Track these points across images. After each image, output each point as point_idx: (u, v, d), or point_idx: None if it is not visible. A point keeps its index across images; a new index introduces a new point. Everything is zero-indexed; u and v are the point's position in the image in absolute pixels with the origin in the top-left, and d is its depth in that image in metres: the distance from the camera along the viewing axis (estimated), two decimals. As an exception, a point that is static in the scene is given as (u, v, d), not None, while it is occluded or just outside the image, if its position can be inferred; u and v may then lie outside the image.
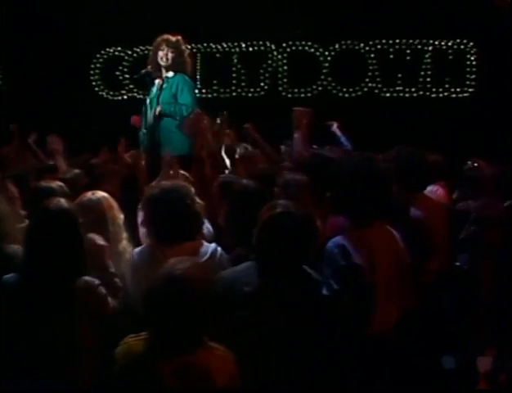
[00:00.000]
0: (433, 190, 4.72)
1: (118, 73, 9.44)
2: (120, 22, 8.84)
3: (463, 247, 5.00)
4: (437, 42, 8.81)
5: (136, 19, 8.80)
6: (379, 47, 8.95)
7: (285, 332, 2.96)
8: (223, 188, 4.11)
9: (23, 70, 9.18)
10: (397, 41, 8.88)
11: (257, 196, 3.65)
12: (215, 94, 9.29)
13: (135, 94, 9.32)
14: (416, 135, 7.78)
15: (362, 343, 3.18)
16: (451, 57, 8.79)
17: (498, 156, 6.01)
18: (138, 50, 9.33)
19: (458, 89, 8.78)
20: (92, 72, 9.52)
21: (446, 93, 8.81)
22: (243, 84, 9.26)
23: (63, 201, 3.19)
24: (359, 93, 9.02)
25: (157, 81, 6.48)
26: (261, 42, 9.20)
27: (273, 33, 9.04)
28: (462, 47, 8.76)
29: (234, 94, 9.27)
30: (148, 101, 6.44)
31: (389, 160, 4.00)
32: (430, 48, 8.83)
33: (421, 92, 8.87)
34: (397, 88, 8.91)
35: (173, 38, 6.44)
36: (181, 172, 4.35)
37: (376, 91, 8.98)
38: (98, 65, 9.53)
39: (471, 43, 8.73)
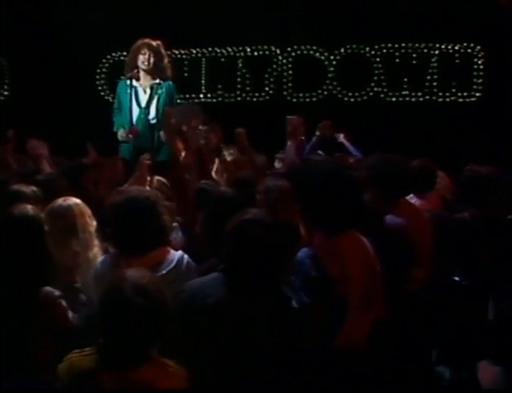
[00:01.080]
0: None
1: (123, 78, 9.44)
2: (126, 27, 8.83)
3: (460, 261, 4.91)
4: (443, 46, 8.71)
5: (142, 24, 8.76)
6: (384, 51, 8.88)
7: (246, 348, 2.83)
8: (200, 195, 4.05)
9: (29, 75, 9.22)
10: (403, 45, 8.80)
11: (234, 204, 3.55)
12: (220, 98, 9.29)
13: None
14: (422, 140, 7.73)
15: (333, 357, 3.08)
16: (457, 61, 8.69)
17: (505, 162, 5.90)
18: (143, 55, 9.31)
19: (465, 94, 8.69)
20: (97, 77, 9.55)
21: (452, 98, 8.72)
22: (248, 89, 9.24)
23: (29, 208, 3.13)
24: (365, 98, 8.95)
25: (128, 82, 6.42)
26: (266, 47, 9.17)
27: (278, 38, 9.02)
28: (469, 51, 8.66)
29: (238, 99, 9.26)
30: (136, 105, 6.37)
31: (370, 166, 3.93)
32: (437, 52, 8.74)
33: (427, 97, 8.78)
34: (403, 93, 8.84)
35: (154, 43, 6.37)
36: (159, 178, 4.28)
37: (382, 95, 8.91)
38: (104, 70, 9.56)
39: (478, 47, 8.62)
